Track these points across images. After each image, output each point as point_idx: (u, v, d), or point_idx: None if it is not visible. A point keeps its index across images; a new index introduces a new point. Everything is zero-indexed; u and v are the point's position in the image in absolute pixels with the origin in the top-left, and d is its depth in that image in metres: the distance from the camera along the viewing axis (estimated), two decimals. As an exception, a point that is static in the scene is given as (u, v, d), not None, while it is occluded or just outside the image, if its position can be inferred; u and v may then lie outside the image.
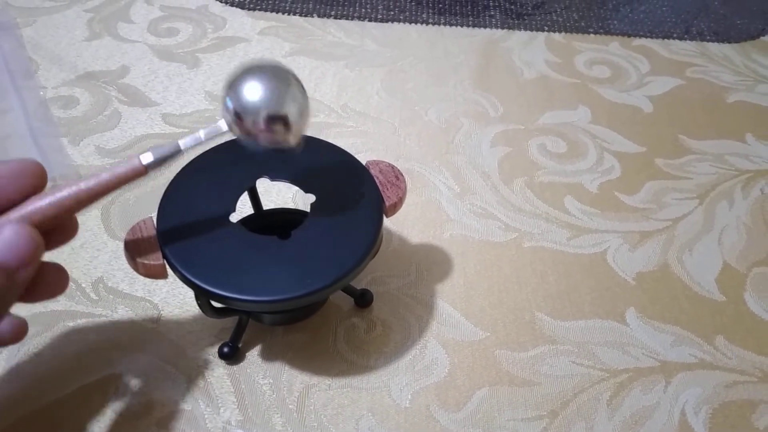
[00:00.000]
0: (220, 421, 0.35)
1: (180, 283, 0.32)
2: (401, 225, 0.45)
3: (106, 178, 0.27)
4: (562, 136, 0.54)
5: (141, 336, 0.38)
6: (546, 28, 0.66)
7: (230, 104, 0.28)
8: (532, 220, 0.47)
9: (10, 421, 0.34)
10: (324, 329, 0.39)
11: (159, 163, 0.28)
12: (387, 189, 0.35)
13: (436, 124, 0.54)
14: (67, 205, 0.27)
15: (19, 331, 0.28)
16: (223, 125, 0.29)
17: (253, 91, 0.28)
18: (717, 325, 0.41)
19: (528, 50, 0.63)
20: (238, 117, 0.28)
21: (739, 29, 0.68)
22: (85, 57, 0.58)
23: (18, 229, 0.25)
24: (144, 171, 0.28)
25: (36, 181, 0.27)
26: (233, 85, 0.28)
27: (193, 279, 0.31)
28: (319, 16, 0.65)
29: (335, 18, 0.65)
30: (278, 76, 0.28)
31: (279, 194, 0.47)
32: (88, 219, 0.44)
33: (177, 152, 0.29)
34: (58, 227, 0.28)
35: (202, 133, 0.29)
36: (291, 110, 0.28)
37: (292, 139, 0.29)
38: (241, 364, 0.38)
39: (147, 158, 0.28)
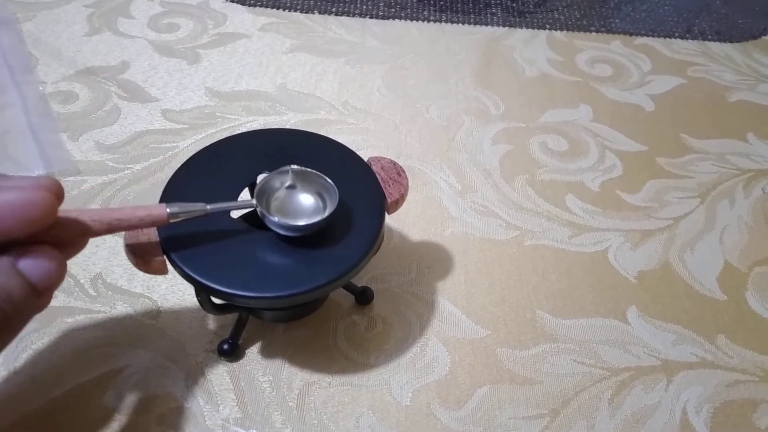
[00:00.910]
0: (220, 418, 0.35)
1: (180, 279, 0.32)
2: (402, 222, 0.45)
3: (130, 218, 0.28)
4: (564, 134, 0.54)
5: (140, 332, 0.38)
6: (548, 26, 0.66)
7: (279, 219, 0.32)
8: (533, 218, 0.46)
9: (11, 420, 0.34)
10: (324, 326, 0.39)
11: (182, 216, 0.30)
12: (389, 185, 0.35)
13: (437, 122, 0.54)
14: (82, 231, 0.27)
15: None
16: (254, 203, 0.32)
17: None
18: (718, 324, 0.41)
19: (529, 48, 0.63)
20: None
21: (741, 29, 0.68)
22: (85, 52, 0.58)
23: (50, 253, 0.25)
24: (166, 220, 0.30)
25: (40, 215, 0.24)
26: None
27: (193, 275, 0.30)
28: (320, 13, 0.65)
29: (336, 14, 0.65)
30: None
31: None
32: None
33: (202, 212, 0.31)
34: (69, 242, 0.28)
35: (231, 203, 0.32)
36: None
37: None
38: (241, 361, 0.37)
39: (173, 209, 0.30)
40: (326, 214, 0.32)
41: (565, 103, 0.57)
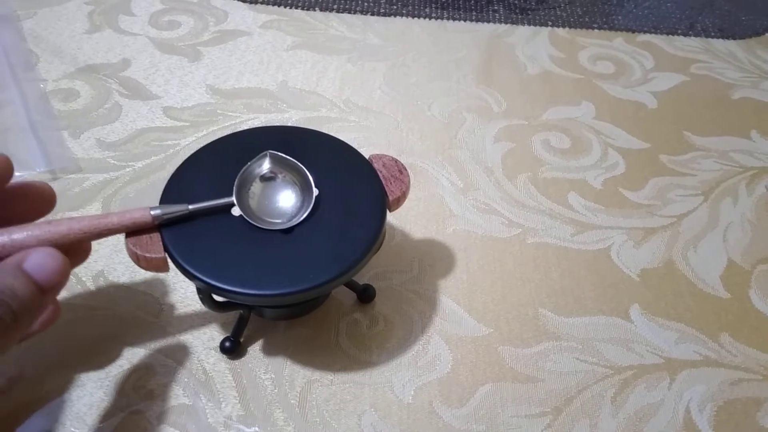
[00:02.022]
0: (222, 415, 0.35)
1: (181, 277, 0.32)
2: (404, 220, 0.45)
3: (116, 222, 0.30)
4: (566, 131, 0.53)
5: (142, 330, 0.38)
6: (550, 23, 0.66)
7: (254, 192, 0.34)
8: (535, 215, 0.46)
9: (9, 413, 0.34)
10: (326, 324, 0.39)
11: (166, 217, 0.31)
12: (390, 183, 0.35)
13: (439, 119, 0.54)
14: (77, 241, 0.29)
15: (51, 317, 0.31)
16: (233, 200, 0.33)
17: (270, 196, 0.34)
18: (722, 322, 0.41)
19: (531, 45, 0.63)
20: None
21: (744, 25, 0.67)
22: (86, 49, 0.57)
23: (54, 254, 0.27)
24: (152, 223, 0.31)
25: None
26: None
27: (194, 272, 0.30)
28: (321, 10, 0.65)
29: (337, 11, 0.65)
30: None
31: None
32: (89, 213, 0.44)
33: (185, 213, 0.32)
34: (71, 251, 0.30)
35: (211, 203, 0.32)
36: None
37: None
38: (243, 358, 0.37)
39: (155, 212, 0.31)
40: (305, 214, 0.33)
41: (567, 101, 0.56)
